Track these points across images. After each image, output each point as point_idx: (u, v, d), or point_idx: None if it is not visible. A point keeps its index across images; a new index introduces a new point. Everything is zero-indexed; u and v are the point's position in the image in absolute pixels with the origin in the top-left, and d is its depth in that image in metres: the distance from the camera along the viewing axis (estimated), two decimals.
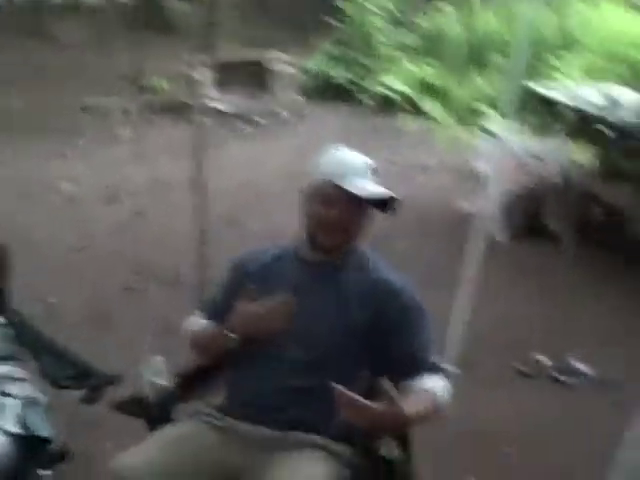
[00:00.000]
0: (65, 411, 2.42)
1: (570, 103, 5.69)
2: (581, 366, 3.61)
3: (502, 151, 3.19)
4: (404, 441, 1.90)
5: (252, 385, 1.94)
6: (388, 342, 1.89)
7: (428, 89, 9.43)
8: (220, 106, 8.70)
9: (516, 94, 3.06)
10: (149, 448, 1.86)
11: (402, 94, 9.36)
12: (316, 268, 1.96)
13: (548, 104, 6.50)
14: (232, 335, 1.93)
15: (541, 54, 8.25)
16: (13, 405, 2.13)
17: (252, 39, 10.38)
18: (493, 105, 8.71)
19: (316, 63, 10.07)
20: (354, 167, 1.88)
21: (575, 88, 5.94)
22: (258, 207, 5.77)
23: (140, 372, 2.15)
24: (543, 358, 3.67)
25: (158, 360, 2.18)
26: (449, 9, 9.85)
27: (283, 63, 9.23)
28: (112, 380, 2.26)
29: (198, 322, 2.12)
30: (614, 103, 5.21)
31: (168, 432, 1.94)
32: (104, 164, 6.72)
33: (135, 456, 1.82)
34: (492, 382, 3.34)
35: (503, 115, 3.16)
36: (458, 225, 5.41)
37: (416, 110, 9.23)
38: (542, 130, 6.56)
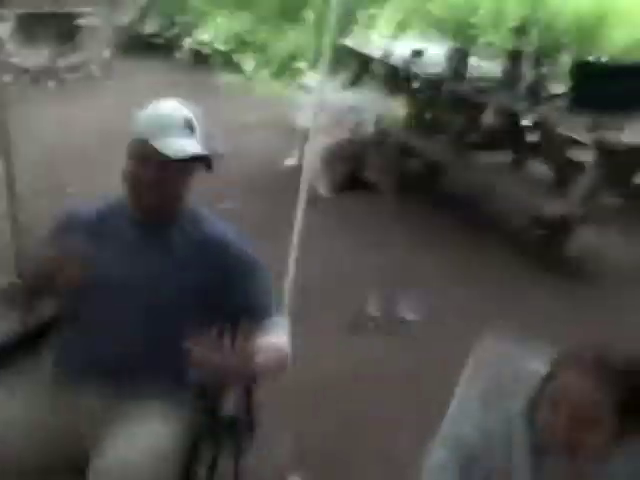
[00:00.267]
0: None
1: (380, 57, 5.90)
2: (407, 314, 3.76)
3: (319, 105, 3.21)
4: (247, 398, 1.89)
5: (87, 348, 1.86)
6: (227, 297, 1.87)
7: (243, 44, 9.36)
8: (22, 62, 8.14)
9: (330, 49, 3.09)
10: None
11: (216, 50, 9.23)
12: (146, 228, 1.90)
13: (361, 59, 6.69)
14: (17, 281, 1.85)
15: (354, 10, 8.44)
16: None
17: None
18: (308, 60, 8.85)
19: (127, 17, 9.67)
20: (170, 124, 1.81)
21: (385, 43, 6.15)
22: (72, 170, 5.46)
23: None
24: (372, 309, 3.79)
25: None
26: None
27: (91, 16, 8.76)
28: None
29: None
30: (419, 56, 5.47)
31: None
32: None
33: None
34: (323, 334, 3.41)
35: (318, 70, 3.19)
36: (282, 180, 5.49)
37: (232, 66, 9.15)
38: (357, 84, 6.75)
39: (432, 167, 5.38)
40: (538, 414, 1.42)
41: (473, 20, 8.53)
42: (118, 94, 7.78)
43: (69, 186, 5.02)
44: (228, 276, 1.87)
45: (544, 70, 4.76)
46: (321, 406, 2.93)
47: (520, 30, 5.37)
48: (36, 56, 8.41)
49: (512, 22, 6.99)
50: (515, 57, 4.91)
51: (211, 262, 1.87)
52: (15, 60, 7.82)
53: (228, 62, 9.19)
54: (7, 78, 6.86)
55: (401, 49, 5.71)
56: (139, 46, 9.71)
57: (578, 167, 4.62)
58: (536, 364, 1.55)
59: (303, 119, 5.49)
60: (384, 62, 6.06)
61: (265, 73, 8.95)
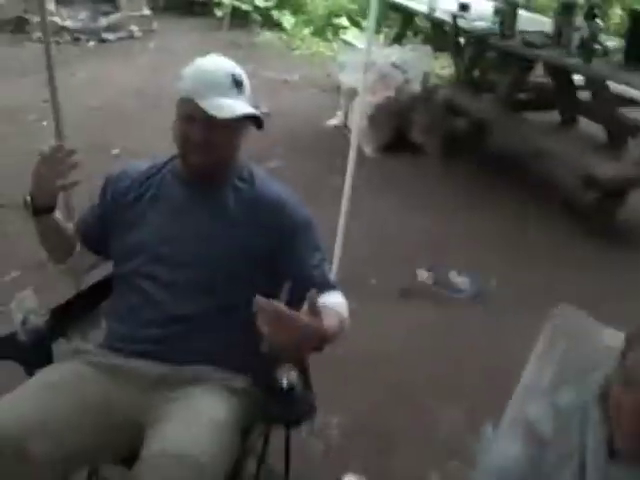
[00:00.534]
0: None
1: (425, 12, 5.75)
2: (460, 279, 3.66)
3: (364, 64, 3.13)
4: (302, 368, 1.81)
5: (137, 317, 1.80)
6: (282, 259, 1.80)
7: (283, 1, 9.22)
8: (63, 22, 8.13)
9: (374, 5, 3.00)
10: (23, 397, 1.65)
11: (256, 7, 9.11)
12: (196, 188, 1.85)
13: (405, 14, 6.54)
14: (27, 197, 1.80)
15: None
16: None
17: None
18: (350, 17, 8.69)
19: None
20: (217, 82, 1.74)
21: None
22: (116, 129, 5.47)
23: (9, 310, 1.96)
24: (423, 273, 3.70)
25: (27, 295, 1.99)
26: None
27: None
28: None
29: None
30: (466, 10, 5.30)
31: (46, 376, 1.75)
32: None
33: (6, 409, 1.60)
34: (375, 299, 3.33)
35: (362, 27, 3.09)
36: (325, 140, 5.44)
37: (272, 23, 9.02)
38: (400, 41, 6.61)
39: (479, 126, 5.24)
40: (609, 401, 1.28)
41: None
42: (158, 53, 7.76)
43: (112, 146, 5.02)
44: (284, 237, 1.81)
45: (597, 23, 4.57)
46: (370, 376, 2.87)
47: None
48: (76, 16, 8.40)
49: None
50: (567, 10, 4.73)
51: (265, 222, 1.81)
52: (55, 20, 7.80)
53: (268, 20, 9.07)
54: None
55: (447, 3, 5.54)
56: (178, 5, 9.65)
57: (633, 127, 4.46)
58: (613, 340, 1.43)
59: (347, 78, 5.40)
60: (429, 17, 5.90)
61: (305, 31, 8.81)
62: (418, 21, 7.18)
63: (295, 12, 9.18)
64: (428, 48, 5.84)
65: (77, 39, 8.18)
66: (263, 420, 1.79)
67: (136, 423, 1.68)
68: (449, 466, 2.41)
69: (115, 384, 1.74)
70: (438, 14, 5.58)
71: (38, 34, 6.93)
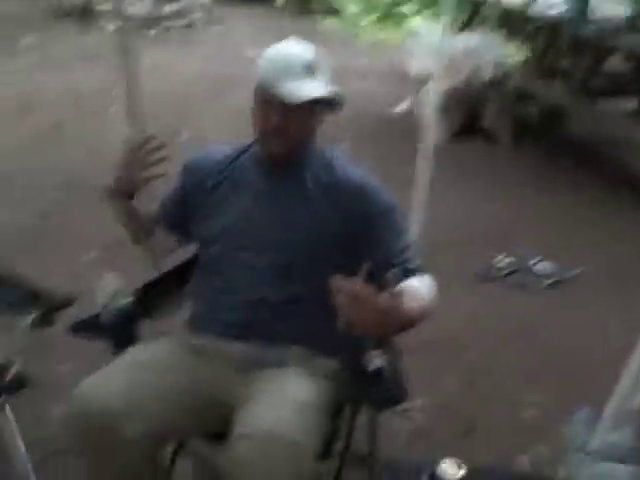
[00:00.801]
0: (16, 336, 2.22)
1: None
2: (538, 265, 3.62)
3: (432, 51, 3.08)
4: (390, 349, 1.81)
5: (222, 300, 1.81)
6: (366, 245, 1.77)
7: None
8: (126, 9, 8.20)
9: None
10: (112, 375, 1.68)
11: None
12: (276, 173, 1.84)
13: (473, 0, 6.41)
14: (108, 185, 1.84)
15: None
16: None
17: None
18: (415, 5, 8.58)
19: None
20: (291, 67, 1.73)
21: None
22: (182, 116, 5.49)
23: (94, 291, 1.98)
24: (500, 258, 3.67)
25: (111, 277, 2.01)
26: None
27: None
28: (65, 302, 2.07)
29: None
30: None
31: (134, 355, 1.78)
32: (13, 74, 6.26)
33: (95, 386, 1.64)
34: (451, 285, 3.31)
35: (429, 14, 3.05)
36: (392, 127, 5.39)
37: (334, 11, 8.97)
38: (468, 28, 6.48)
39: (551, 114, 5.12)
40: None
41: None
42: (220, 41, 7.78)
43: (180, 132, 5.04)
44: (367, 223, 1.78)
45: None
46: (452, 360, 2.87)
47: None
48: (140, 4, 8.48)
49: None
50: None
51: (346, 206, 1.78)
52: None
53: (329, 7, 9.02)
54: (111, 27, 6.97)
55: None
56: None
57: None
58: None
59: (416, 65, 5.33)
60: (498, 3, 5.77)
61: (368, 19, 8.73)
62: (487, 7, 7.03)
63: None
64: (498, 35, 5.72)
65: (141, 27, 8.26)
66: (351, 402, 1.79)
67: (223, 402, 1.70)
68: (538, 450, 2.38)
69: (202, 364, 1.77)
70: (508, 1, 5.46)
71: (104, 22, 7.04)
